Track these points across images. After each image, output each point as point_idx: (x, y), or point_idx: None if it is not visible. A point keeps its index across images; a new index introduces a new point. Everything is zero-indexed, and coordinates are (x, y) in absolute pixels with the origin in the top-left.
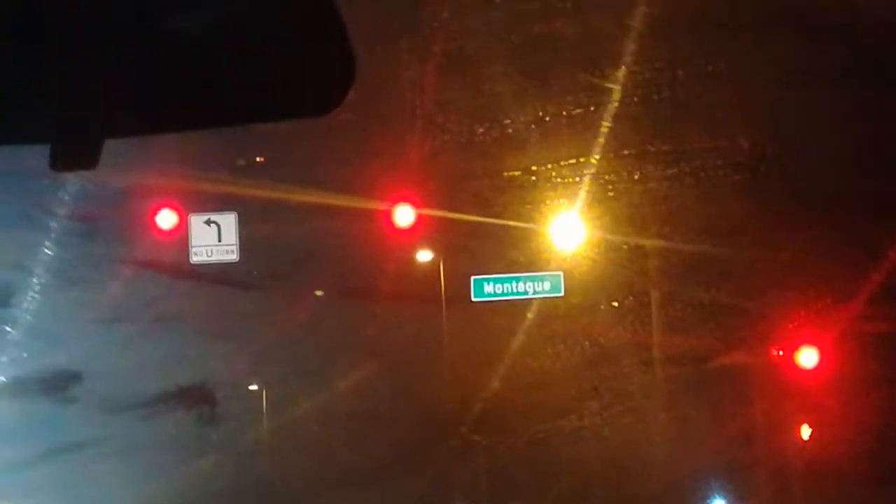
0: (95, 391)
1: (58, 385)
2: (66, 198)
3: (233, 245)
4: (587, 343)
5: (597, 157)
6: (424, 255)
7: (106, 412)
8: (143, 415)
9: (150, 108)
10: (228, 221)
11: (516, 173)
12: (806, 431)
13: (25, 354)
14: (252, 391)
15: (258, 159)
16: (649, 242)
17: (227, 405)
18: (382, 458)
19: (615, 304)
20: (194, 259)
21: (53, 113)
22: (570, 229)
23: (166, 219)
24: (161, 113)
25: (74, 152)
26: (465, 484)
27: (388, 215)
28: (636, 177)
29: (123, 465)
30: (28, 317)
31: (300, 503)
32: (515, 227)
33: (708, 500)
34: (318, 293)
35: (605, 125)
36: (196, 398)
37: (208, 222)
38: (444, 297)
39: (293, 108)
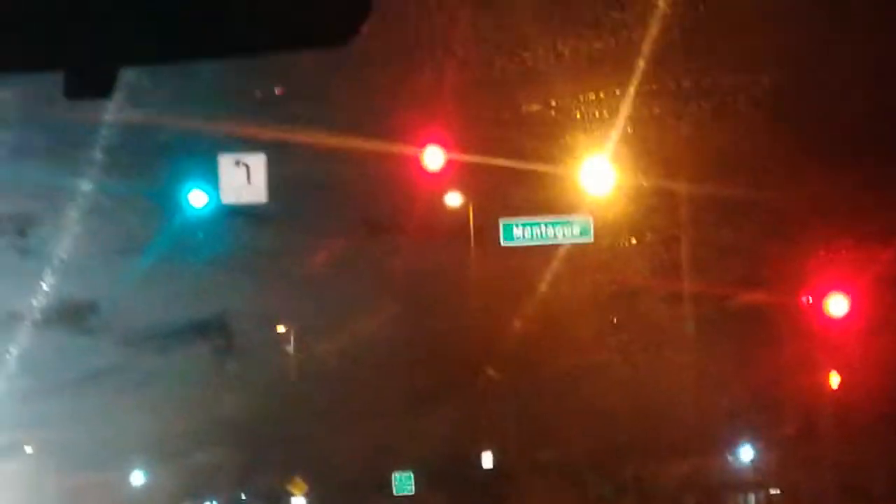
0: (114, 322)
1: (76, 316)
2: (87, 130)
3: (262, 187)
4: (616, 286)
5: (617, 92)
6: (454, 199)
7: (124, 344)
8: (161, 347)
9: (166, 37)
10: (258, 162)
11: (536, 108)
12: (834, 380)
13: (44, 285)
14: (278, 327)
15: (277, 92)
16: (675, 185)
17: (251, 339)
18: (406, 396)
19: (643, 248)
20: (224, 200)
21: (68, 41)
22: (598, 172)
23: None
24: (176, 41)
25: (90, 80)
26: (489, 421)
27: (416, 158)
28: (656, 112)
29: (141, 397)
30: (47, 247)
31: (324, 438)
32: (545, 171)
33: (728, 442)
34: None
35: (627, 60)
36: (219, 333)
37: (237, 163)
38: (472, 240)
39: (308, 38)
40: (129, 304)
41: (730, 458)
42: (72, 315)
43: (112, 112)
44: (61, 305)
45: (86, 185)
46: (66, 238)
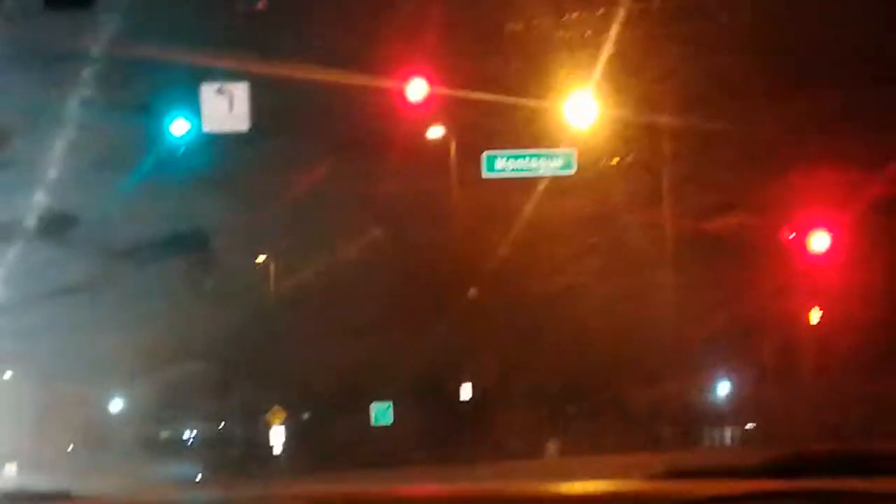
0: (93, 236)
1: (55, 228)
2: (65, 42)
3: (244, 115)
4: (597, 217)
5: (600, 13)
6: (436, 130)
7: (103, 257)
8: (141, 261)
9: None
10: (240, 91)
11: (518, 28)
12: (814, 315)
13: (24, 198)
14: (258, 252)
15: (260, 6)
16: (658, 117)
17: (231, 259)
18: (387, 318)
19: (625, 179)
20: (206, 128)
21: None
22: (582, 105)
23: None
24: None
25: None
26: (468, 348)
27: (400, 90)
28: (640, 35)
29: (119, 310)
30: (26, 160)
31: (302, 364)
32: (528, 104)
33: (705, 373)
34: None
35: None
36: (199, 250)
37: (220, 91)
38: (454, 168)
39: None
40: (109, 218)
41: (706, 390)
42: (50, 227)
43: (97, 27)
44: (40, 218)
45: (67, 100)
46: (46, 151)
